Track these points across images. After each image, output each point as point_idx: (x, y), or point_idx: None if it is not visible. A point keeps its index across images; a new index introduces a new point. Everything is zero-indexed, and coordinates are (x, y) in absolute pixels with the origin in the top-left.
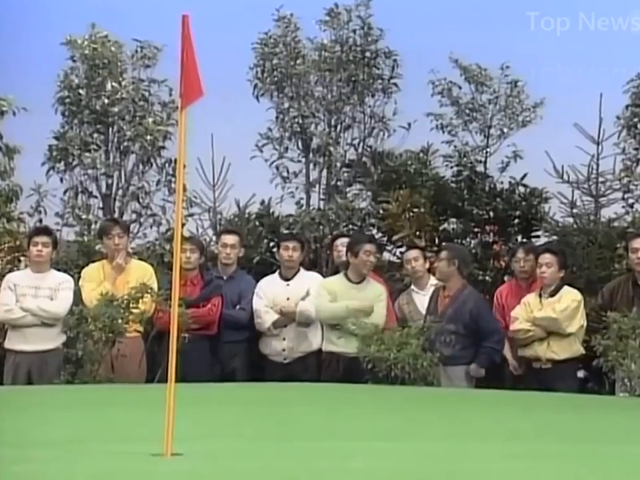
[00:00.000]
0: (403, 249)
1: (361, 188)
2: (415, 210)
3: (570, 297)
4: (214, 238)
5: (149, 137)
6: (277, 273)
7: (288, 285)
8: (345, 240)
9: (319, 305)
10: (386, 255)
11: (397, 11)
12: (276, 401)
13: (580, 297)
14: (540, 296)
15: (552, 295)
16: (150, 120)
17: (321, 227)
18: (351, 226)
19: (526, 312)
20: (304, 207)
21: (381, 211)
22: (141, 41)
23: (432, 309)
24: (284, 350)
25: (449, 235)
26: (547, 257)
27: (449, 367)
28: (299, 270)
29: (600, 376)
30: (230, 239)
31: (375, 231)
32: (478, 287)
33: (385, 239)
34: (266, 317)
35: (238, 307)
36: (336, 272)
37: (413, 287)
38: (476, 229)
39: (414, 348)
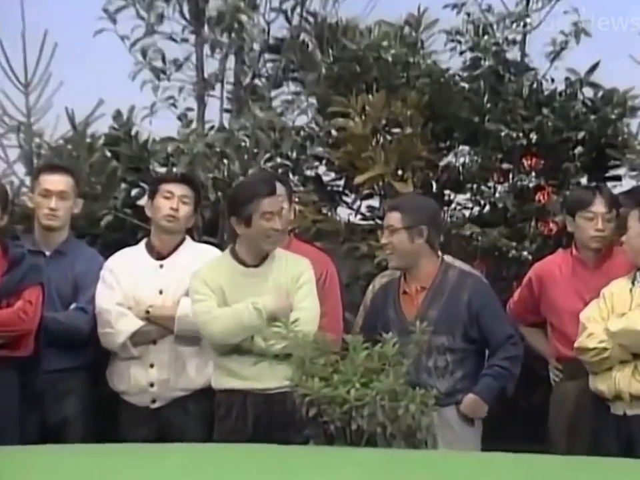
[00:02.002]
0: (373, 201)
1: (297, 90)
2: (396, 130)
3: None
4: (27, 180)
5: None
6: (142, 245)
7: (162, 266)
8: None
9: (199, 312)
10: (342, 213)
11: None
12: (139, 475)
13: None
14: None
15: None
16: None
17: (225, 162)
18: (279, 159)
19: (602, 315)
20: (194, 125)
21: (334, 132)
22: None
23: (393, 317)
24: (152, 385)
25: (456, 175)
26: None
27: (446, 408)
28: (184, 240)
29: None
30: (56, 181)
31: (322, 169)
32: (509, 269)
33: (342, 182)
34: (120, 324)
35: (73, 305)
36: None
37: None
38: (505, 165)
39: (392, 379)
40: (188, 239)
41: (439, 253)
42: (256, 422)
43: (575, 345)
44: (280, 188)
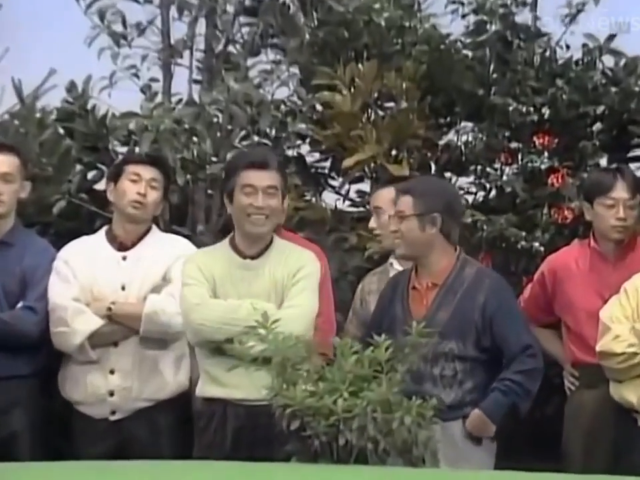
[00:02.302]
0: (364, 186)
1: (276, 59)
2: (389, 105)
3: None
4: None
5: None
6: (102, 234)
7: (125, 258)
8: None
9: (188, 296)
10: (329, 198)
11: None
12: None
13: None
14: None
15: None
16: None
17: (195, 141)
18: (257, 137)
19: (625, 313)
20: (159, 98)
21: (319, 107)
22: None
23: (399, 314)
24: (112, 394)
25: (458, 156)
26: None
27: (451, 422)
28: (149, 229)
29: None
30: (0, 162)
31: (305, 148)
32: (518, 263)
33: (328, 163)
34: (77, 323)
35: (20, 304)
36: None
37: (392, 260)
38: (513, 144)
39: (385, 388)
40: (154, 228)
41: (457, 246)
42: (236, 436)
43: (598, 348)
44: (274, 164)
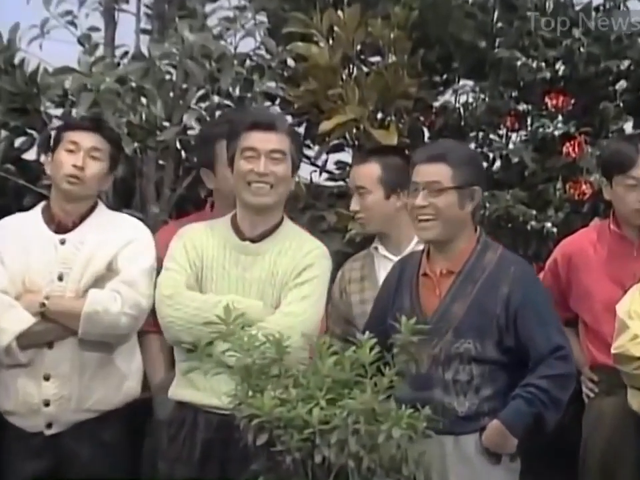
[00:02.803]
0: (344, 155)
1: (240, 5)
2: (375, 59)
3: None
4: None
5: None
6: (37, 212)
7: (64, 242)
8: None
9: (162, 283)
10: (303, 171)
11: None
12: None
13: None
14: None
15: None
16: None
17: (144, 102)
18: (217, 98)
19: None
20: (101, 52)
21: (291, 62)
22: None
23: (407, 307)
24: (47, 404)
25: (456, 120)
26: None
27: (466, 435)
28: (94, 207)
29: None
30: None
31: (275, 111)
32: (527, 246)
33: (302, 129)
34: (5, 320)
35: None
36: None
37: (378, 245)
38: (521, 106)
39: (369, 395)
40: (101, 206)
41: (477, 226)
42: (206, 449)
43: (613, 349)
44: (283, 126)
